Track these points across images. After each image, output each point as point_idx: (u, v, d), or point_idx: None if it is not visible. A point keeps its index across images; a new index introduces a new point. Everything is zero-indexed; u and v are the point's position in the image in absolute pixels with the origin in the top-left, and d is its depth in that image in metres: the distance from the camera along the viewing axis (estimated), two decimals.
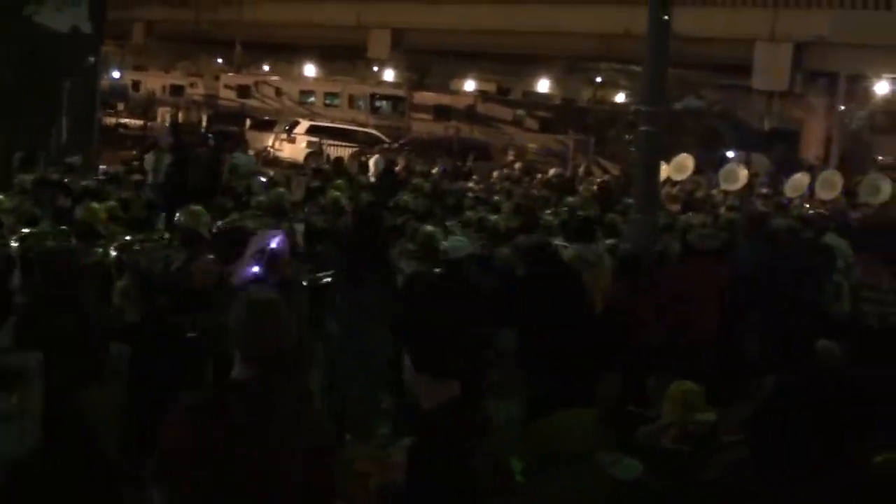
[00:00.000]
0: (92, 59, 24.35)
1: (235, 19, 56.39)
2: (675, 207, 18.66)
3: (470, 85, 53.15)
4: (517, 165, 26.36)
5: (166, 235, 11.07)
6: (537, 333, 7.60)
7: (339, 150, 30.77)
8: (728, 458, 6.02)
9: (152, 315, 6.90)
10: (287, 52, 59.01)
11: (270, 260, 6.21)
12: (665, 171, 21.44)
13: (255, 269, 6.51)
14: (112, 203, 12.51)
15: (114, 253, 9.62)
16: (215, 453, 3.87)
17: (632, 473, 4.99)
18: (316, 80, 53.21)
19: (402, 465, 4.30)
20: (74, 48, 24.05)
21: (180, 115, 39.73)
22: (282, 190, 13.84)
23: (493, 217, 13.23)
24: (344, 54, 56.43)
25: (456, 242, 8.24)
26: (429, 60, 54.20)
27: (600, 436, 8.25)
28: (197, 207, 10.30)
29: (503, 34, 48.42)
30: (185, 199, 14.27)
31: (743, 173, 25.18)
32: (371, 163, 24.01)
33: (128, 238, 10.82)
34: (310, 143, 32.98)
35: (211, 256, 8.26)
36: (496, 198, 17.38)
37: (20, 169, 16.78)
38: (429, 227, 9.79)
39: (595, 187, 20.99)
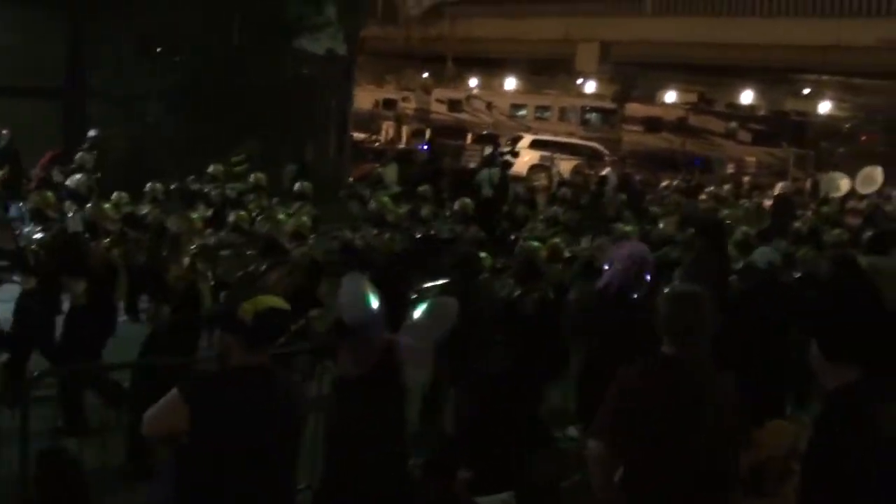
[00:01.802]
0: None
1: (445, 35, 58.06)
2: (856, 222, 17.52)
3: (671, 96, 53.13)
4: (745, 179, 26.55)
5: None
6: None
7: (563, 164, 31.00)
8: None
9: None
10: (491, 65, 59.96)
11: (640, 268, 7.13)
12: (846, 184, 21.10)
13: (648, 277, 7.40)
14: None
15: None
16: (652, 411, 4.83)
17: None
18: (526, 93, 53.54)
19: (793, 440, 5.21)
20: (328, 69, 25.73)
21: (403, 129, 41.08)
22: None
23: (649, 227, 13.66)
24: (549, 68, 57.24)
25: (764, 252, 9.13)
26: (633, 72, 54.42)
27: None
28: (281, 216, 10.80)
29: (711, 46, 48.57)
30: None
31: None
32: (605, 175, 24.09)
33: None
34: (542, 157, 33.39)
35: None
36: (655, 209, 17.44)
37: (292, 182, 16.99)
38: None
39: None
